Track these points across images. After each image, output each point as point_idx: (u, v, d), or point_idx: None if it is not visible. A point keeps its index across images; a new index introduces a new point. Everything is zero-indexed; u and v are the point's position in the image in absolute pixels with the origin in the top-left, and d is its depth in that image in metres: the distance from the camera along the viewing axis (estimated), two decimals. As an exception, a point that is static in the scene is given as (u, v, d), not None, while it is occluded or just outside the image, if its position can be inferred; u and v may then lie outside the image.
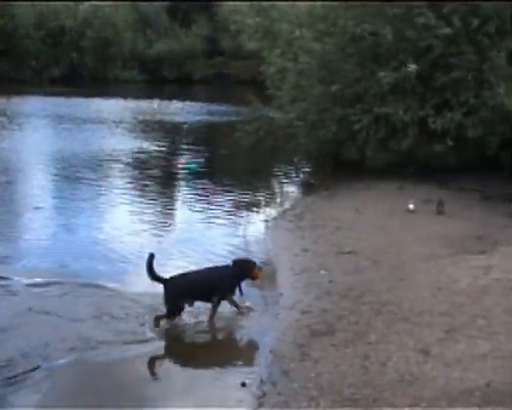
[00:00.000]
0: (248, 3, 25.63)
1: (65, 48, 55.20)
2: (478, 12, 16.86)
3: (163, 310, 8.92)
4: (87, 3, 56.43)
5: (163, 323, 8.84)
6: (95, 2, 56.60)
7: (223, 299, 9.10)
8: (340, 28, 18.26)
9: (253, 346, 8.75)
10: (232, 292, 9.18)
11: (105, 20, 56.55)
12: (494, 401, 6.19)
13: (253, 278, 9.42)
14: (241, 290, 9.28)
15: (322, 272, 10.63)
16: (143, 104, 39.72)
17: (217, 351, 8.58)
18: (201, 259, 11.43)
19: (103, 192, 17.53)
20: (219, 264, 9.79)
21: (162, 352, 8.46)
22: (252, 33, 23.96)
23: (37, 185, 18.03)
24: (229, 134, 24.38)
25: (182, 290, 8.89)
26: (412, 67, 16.76)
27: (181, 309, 8.89)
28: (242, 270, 9.28)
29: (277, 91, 20.92)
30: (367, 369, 7.24)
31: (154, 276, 8.86)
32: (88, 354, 8.06)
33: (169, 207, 16.74)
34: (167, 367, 8.07)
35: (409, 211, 14.64)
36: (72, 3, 55.91)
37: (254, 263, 9.49)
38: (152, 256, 8.86)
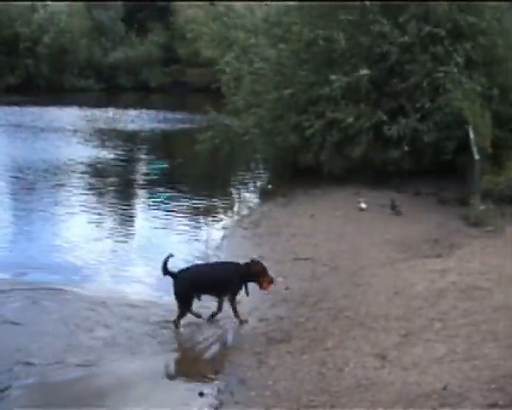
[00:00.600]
0: (204, 11, 25.65)
1: (20, 56, 54.54)
2: (430, 17, 17.07)
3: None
4: (42, 10, 55.82)
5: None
6: (50, 9, 56.02)
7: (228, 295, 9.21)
8: (295, 34, 18.32)
9: (210, 355, 8.62)
10: (237, 290, 9.22)
11: (60, 28, 55.98)
12: (450, 404, 6.18)
13: (261, 286, 9.25)
14: (247, 291, 9.25)
15: (279, 279, 10.57)
16: (99, 113, 39.39)
17: (175, 361, 8.46)
18: (159, 266, 11.43)
19: (61, 200, 17.42)
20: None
21: (123, 364, 8.25)
22: (208, 40, 23.96)
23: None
24: (186, 142, 24.33)
25: (191, 283, 8.99)
26: (364, 71, 16.88)
27: (190, 302, 9.03)
28: (250, 271, 9.21)
29: (233, 98, 20.88)
30: (324, 375, 7.21)
31: (166, 271, 9.00)
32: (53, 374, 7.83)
33: (127, 214, 16.60)
34: (127, 378, 7.90)
35: (361, 209, 15.01)
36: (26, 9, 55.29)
37: (263, 269, 9.30)
38: (170, 256, 9.07)
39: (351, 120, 16.92)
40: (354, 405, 6.48)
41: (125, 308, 9.55)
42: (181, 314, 8.91)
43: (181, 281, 8.96)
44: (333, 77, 17.18)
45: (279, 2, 20.20)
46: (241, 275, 9.16)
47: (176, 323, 8.91)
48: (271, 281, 9.29)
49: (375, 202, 15.54)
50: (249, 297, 9.72)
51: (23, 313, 9.44)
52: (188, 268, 9.39)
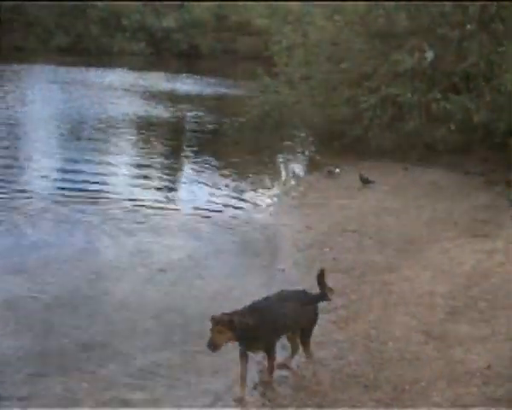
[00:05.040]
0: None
1: (71, 17, 54.85)
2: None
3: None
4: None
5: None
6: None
7: None
8: (351, 7, 18.24)
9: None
10: None
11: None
12: (494, 384, 6.21)
13: None
14: None
15: (325, 249, 10.61)
16: (150, 75, 39.73)
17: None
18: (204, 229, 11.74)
19: (112, 151, 18.62)
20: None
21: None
22: (261, 10, 23.91)
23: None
24: (235, 107, 24.36)
25: None
26: (430, 54, 16.72)
27: None
28: None
29: (285, 68, 20.81)
30: (368, 347, 7.26)
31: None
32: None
33: (175, 168, 17.73)
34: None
35: (331, 173, 16.02)
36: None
37: None
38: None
39: (409, 95, 16.80)
40: (397, 378, 6.53)
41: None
42: None
43: None
44: (399, 57, 17.06)
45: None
46: None
47: None
48: None
49: (423, 179, 15.48)
50: (295, 267, 9.84)
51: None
52: None
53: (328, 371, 6.83)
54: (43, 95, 28.32)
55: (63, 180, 14.76)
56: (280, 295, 6.86)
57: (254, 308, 6.45)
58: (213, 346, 6.11)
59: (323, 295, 6.97)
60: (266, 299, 6.72)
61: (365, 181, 15.02)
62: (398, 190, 14.66)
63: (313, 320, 6.94)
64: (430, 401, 6.09)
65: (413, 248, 10.56)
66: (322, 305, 8.15)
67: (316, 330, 7.10)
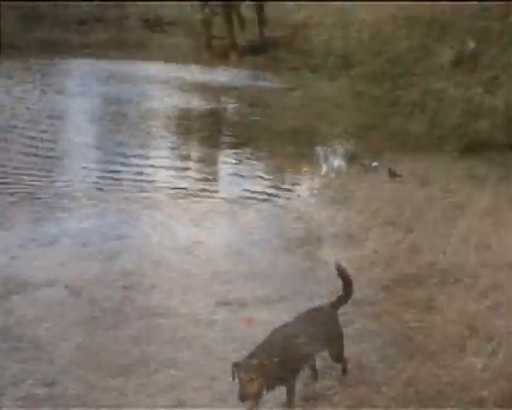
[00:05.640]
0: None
1: (109, 10, 55.21)
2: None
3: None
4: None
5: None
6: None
7: None
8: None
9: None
10: None
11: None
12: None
13: None
14: None
15: (367, 242, 10.58)
16: (189, 68, 39.84)
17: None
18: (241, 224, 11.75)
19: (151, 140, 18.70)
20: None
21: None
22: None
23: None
24: (273, 100, 24.34)
25: None
26: (472, 45, 16.60)
27: None
28: None
29: (324, 60, 20.77)
30: (409, 341, 7.23)
31: None
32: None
33: (216, 160, 17.66)
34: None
35: (368, 167, 15.90)
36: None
37: None
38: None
39: (451, 89, 16.68)
40: (440, 372, 6.51)
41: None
42: None
43: None
44: (447, 50, 16.96)
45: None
46: None
47: None
48: None
49: (467, 174, 15.26)
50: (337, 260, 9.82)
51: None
52: None
53: (368, 365, 6.81)
54: (84, 88, 28.48)
55: (105, 170, 14.96)
56: (301, 320, 6.33)
57: (275, 342, 5.85)
58: (247, 398, 5.46)
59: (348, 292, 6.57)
60: (286, 327, 6.16)
61: (393, 175, 14.95)
62: (440, 183, 14.50)
63: (339, 336, 6.48)
64: (475, 397, 6.06)
65: (454, 239, 10.46)
66: (362, 298, 8.21)
67: (356, 323, 7.09)
